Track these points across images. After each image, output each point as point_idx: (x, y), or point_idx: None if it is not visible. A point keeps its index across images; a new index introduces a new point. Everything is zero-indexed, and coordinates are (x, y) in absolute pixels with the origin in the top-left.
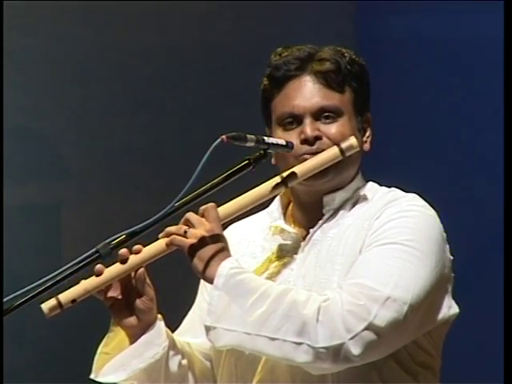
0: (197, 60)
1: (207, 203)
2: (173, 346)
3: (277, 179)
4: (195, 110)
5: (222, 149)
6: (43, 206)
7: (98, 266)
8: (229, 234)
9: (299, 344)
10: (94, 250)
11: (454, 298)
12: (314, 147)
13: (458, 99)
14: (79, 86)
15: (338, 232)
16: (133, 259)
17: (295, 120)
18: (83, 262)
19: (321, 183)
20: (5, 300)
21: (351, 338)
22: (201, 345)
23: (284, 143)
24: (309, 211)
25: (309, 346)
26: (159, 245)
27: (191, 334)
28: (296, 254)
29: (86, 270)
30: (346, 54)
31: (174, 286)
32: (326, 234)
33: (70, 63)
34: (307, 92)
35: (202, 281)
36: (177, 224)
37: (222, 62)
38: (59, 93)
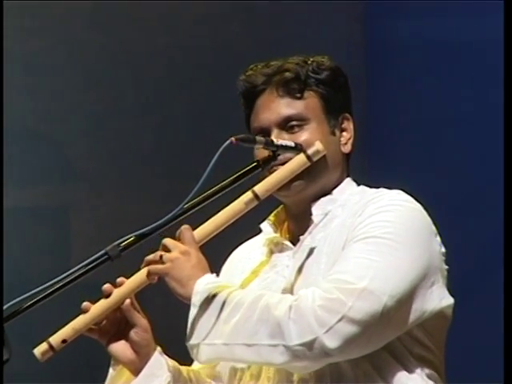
0: (207, 62)
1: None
2: (178, 376)
3: (248, 194)
4: (205, 111)
5: (232, 150)
6: (53, 208)
7: (85, 304)
8: (231, 256)
9: (275, 346)
10: (103, 251)
11: (455, 297)
12: (281, 157)
13: (468, 101)
14: (89, 89)
15: (325, 234)
16: (116, 293)
17: (265, 134)
18: (92, 264)
19: (296, 191)
20: (14, 302)
21: (325, 332)
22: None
23: (293, 145)
24: (300, 220)
25: (284, 346)
26: (141, 275)
27: None
28: (288, 261)
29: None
30: (310, 62)
31: None
32: (315, 238)
33: (80, 65)
34: (271, 104)
35: None
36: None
37: (232, 63)
38: (69, 95)
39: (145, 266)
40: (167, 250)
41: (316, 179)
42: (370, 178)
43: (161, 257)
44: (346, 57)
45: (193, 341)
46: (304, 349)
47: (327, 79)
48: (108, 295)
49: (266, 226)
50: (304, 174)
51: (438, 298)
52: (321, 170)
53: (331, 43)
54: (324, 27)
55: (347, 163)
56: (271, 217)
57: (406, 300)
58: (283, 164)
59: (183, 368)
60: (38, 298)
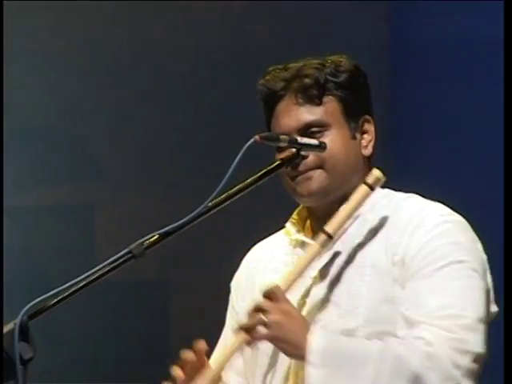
0: (230, 60)
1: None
2: None
3: (321, 235)
4: (229, 110)
5: (256, 149)
6: (76, 206)
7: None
8: (251, 254)
9: None
10: (127, 250)
11: None
12: (302, 169)
13: (495, 101)
14: (112, 87)
15: (363, 243)
16: (218, 365)
17: None
18: (116, 263)
19: (317, 199)
20: (38, 300)
21: (463, 375)
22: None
23: (317, 143)
24: (324, 221)
25: None
26: (239, 341)
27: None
28: (318, 265)
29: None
30: (328, 64)
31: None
32: (349, 244)
33: (103, 64)
34: (291, 111)
35: (230, 303)
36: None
37: (256, 63)
38: (92, 93)
39: (242, 331)
40: (263, 312)
41: (336, 185)
42: (394, 180)
43: (264, 323)
44: (371, 56)
45: None
46: None
47: (346, 82)
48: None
49: (292, 224)
50: (325, 180)
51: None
52: (342, 175)
53: (355, 42)
54: (348, 26)
55: (369, 165)
56: (294, 215)
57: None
58: (304, 174)
59: None
60: (61, 297)
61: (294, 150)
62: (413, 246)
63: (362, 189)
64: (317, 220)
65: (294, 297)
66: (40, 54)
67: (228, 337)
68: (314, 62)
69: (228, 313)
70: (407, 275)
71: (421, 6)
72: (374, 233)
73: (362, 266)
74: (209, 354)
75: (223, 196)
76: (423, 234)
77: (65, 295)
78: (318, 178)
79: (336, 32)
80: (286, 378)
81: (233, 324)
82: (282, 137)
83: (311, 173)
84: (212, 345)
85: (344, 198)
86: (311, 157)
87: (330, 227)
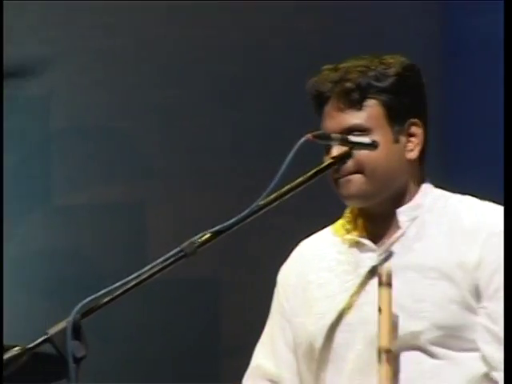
0: (282, 58)
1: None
2: None
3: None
4: (282, 108)
5: (307, 147)
6: (128, 205)
7: None
8: (301, 250)
9: None
10: (178, 249)
11: None
12: (342, 172)
13: None
14: (165, 86)
15: (425, 245)
16: None
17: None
18: (168, 261)
19: (359, 203)
20: (91, 298)
21: None
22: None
23: (369, 142)
24: (380, 223)
25: None
26: None
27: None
28: (376, 266)
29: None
30: (376, 66)
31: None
32: (410, 247)
33: (154, 63)
34: (334, 115)
35: (277, 297)
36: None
37: (309, 60)
38: (145, 92)
39: None
40: None
41: (376, 189)
42: (447, 180)
43: None
44: (422, 55)
45: None
46: None
47: (391, 86)
48: None
49: (346, 223)
50: (363, 185)
51: None
52: (382, 179)
53: (407, 41)
54: (400, 25)
55: (419, 168)
56: (347, 213)
57: None
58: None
59: None
60: (114, 295)
61: (344, 148)
62: (488, 261)
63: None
64: (370, 219)
65: (355, 299)
66: (92, 53)
67: (275, 334)
68: (360, 64)
69: (273, 307)
70: (487, 291)
71: (472, 4)
72: (434, 235)
73: (425, 269)
74: None
75: (274, 195)
76: (496, 251)
77: (117, 294)
78: (356, 182)
79: (388, 31)
80: (351, 376)
81: (280, 320)
82: (333, 135)
83: (350, 177)
84: None
85: (390, 199)
86: (351, 161)
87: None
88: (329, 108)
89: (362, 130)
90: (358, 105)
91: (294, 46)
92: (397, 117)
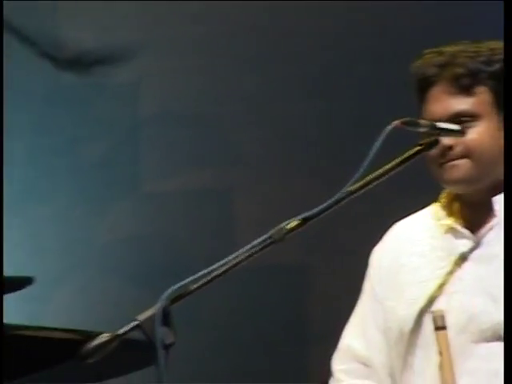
0: (370, 46)
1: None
2: None
3: None
4: (370, 96)
5: (395, 134)
6: (217, 191)
7: None
8: (395, 232)
9: None
10: (267, 235)
11: None
12: (449, 157)
13: None
14: (255, 74)
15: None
16: None
17: None
18: (257, 248)
19: (465, 187)
20: (180, 285)
21: None
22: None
23: (456, 128)
24: (476, 210)
25: None
26: None
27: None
28: (470, 254)
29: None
30: (482, 52)
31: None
32: (497, 238)
33: (245, 51)
34: (442, 99)
35: (368, 278)
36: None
37: (397, 48)
38: (235, 80)
39: None
40: None
41: (481, 175)
42: None
43: None
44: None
45: None
46: None
47: (499, 71)
48: None
49: (442, 208)
50: (470, 170)
51: None
52: (487, 165)
53: (490, 30)
54: (486, 14)
55: None
56: (443, 198)
57: None
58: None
59: None
60: (202, 282)
61: (434, 134)
62: None
63: None
64: (464, 205)
65: (447, 286)
66: (186, 40)
67: (366, 317)
68: (468, 48)
69: (364, 289)
70: None
71: None
72: None
73: (499, 261)
74: None
75: (362, 182)
76: None
77: (206, 280)
78: (463, 166)
79: (468, 21)
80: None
81: (371, 302)
82: (422, 122)
83: (457, 161)
84: None
85: (491, 187)
86: (459, 146)
87: None
88: (435, 92)
89: (470, 116)
90: (467, 90)
91: (383, 34)
92: (501, 104)
